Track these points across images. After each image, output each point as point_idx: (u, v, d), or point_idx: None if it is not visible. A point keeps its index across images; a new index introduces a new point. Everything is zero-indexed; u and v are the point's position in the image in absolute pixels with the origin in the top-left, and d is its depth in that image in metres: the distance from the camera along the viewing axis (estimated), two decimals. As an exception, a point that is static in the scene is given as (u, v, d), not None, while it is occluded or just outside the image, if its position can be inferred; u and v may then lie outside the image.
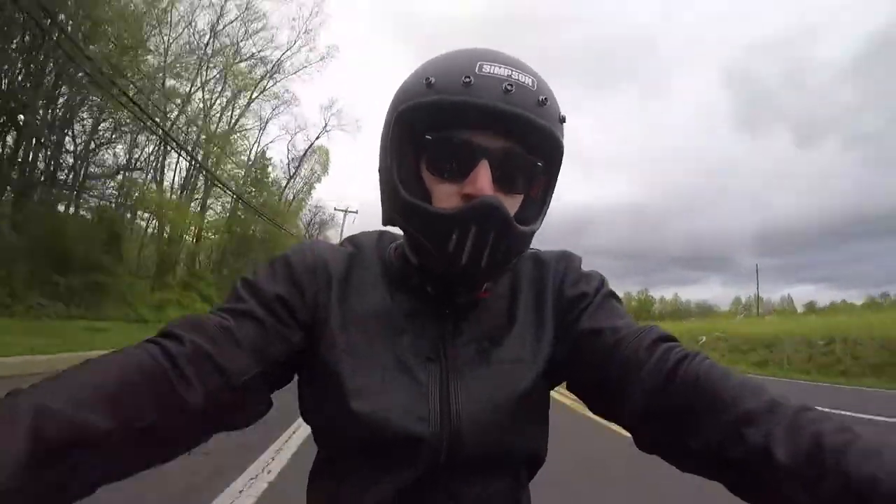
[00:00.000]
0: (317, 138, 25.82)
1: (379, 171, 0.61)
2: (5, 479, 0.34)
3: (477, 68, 0.53)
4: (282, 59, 20.42)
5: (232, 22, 19.36)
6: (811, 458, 0.39)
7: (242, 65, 19.91)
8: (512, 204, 0.57)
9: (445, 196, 0.55)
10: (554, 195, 0.61)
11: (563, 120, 0.57)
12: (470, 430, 0.56)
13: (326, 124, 25.52)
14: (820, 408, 0.44)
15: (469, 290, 0.61)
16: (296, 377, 0.62)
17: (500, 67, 0.53)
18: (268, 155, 23.41)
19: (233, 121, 20.43)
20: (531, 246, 0.65)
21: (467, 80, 0.52)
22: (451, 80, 0.53)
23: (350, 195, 68.35)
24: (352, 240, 0.68)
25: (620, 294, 0.68)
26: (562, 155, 0.59)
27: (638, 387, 0.53)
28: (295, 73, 21.20)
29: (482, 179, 0.53)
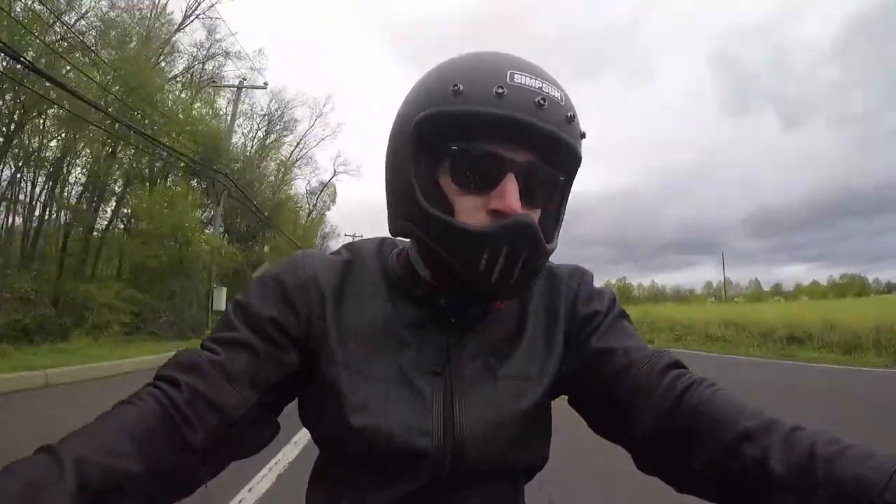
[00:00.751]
0: (329, 181, 32.80)
1: (386, 179, 0.59)
2: None
3: (508, 78, 0.51)
4: (305, 135, 28.18)
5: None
6: (804, 469, 0.41)
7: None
8: (535, 219, 0.55)
9: (471, 210, 0.53)
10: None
11: (583, 136, 0.56)
12: (473, 446, 0.55)
13: (336, 172, 32.46)
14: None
15: (490, 302, 0.59)
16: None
17: (531, 79, 0.51)
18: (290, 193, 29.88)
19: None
20: None
21: (500, 90, 0.50)
22: (481, 88, 0.51)
23: (353, 220, 74.62)
24: (349, 247, 0.66)
25: (603, 280, 0.74)
26: (577, 171, 0.58)
27: (647, 411, 0.53)
28: (315, 145, 29.16)
29: (511, 195, 0.51)
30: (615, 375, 0.57)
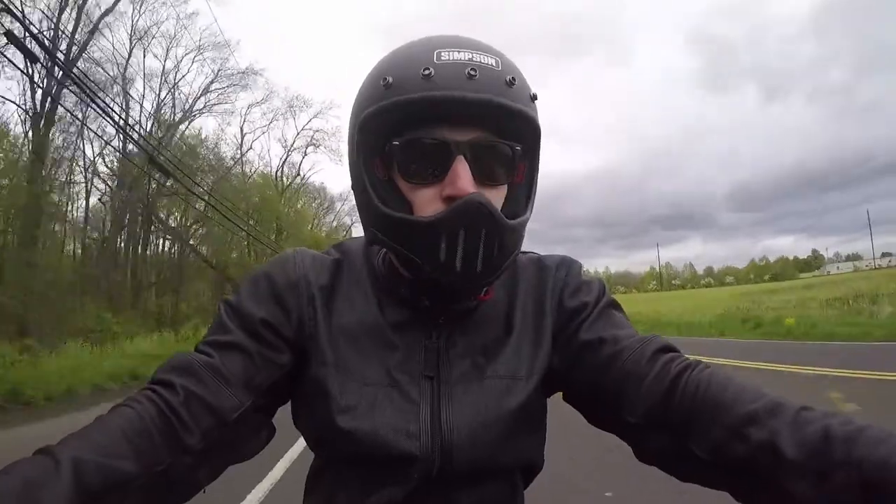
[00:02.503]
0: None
1: (352, 188, 0.57)
2: None
3: (435, 57, 0.50)
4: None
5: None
6: (820, 451, 0.39)
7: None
8: (497, 197, 0.54)
9: (426, 202, 0.52)
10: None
11: (534, 97, 0.55)
12: (461, 447, 0.55)
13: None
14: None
15: (469, 296, 0.58)
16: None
17: (459, 52, 0.50)
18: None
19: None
20: (532, 250, 0.65)
21: (427, 72, 0.49)
22: (409, 75, 0.50)
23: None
24: (339, 246, 0.65)
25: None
26: (539, 135, 0.55)
27: (640, 399, 0.51)
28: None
29: (462, 178, 0.50)
30: (605, 365, 0.55)
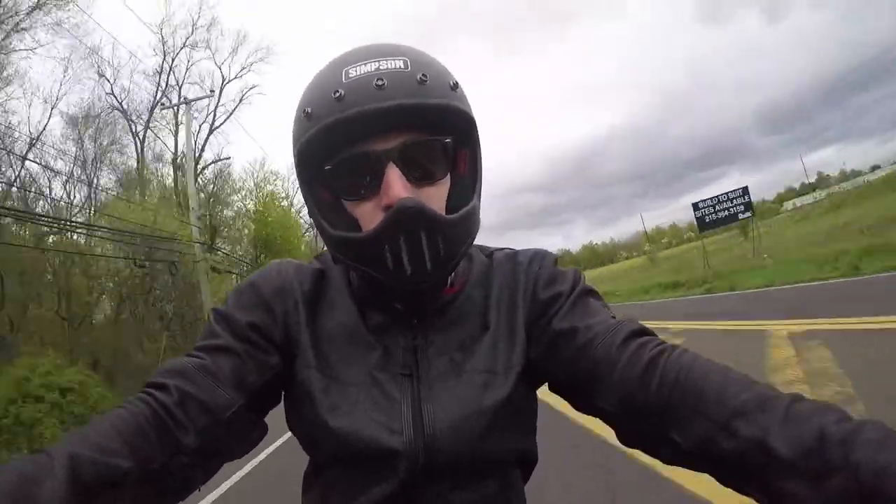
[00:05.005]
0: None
1: (310, 216, 0.59)
2: None
3: (343, 76, 0.51)
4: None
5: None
6: (815, 451, 0.38)
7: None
8: (438, 192, 0.56)
9: (369, 216, 0.54)
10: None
11: (455, 86, 0.55)
12: (444, 441, 0.56)
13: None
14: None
15: (433, 293, 0.60)
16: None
17: (364, 64, 0.51)
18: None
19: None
20: (508, 246, 0.67)
21: (337, 94, 0.50)
22: (323, 101, 0.51)
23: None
24: (321, 257, 0.67)
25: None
26: (471, 122, 0.56)
27: (613, 386, 0.52)
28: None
29: (393, 185, 0.51)
30: (578, 353, 0.56)
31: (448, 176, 0.57)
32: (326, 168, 0.54)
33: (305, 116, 0.53)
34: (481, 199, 0.59)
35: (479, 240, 0.63)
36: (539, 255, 0.67)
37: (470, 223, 0.57)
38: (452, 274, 0.62)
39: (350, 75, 0.51)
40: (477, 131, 0.58)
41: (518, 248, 0.70)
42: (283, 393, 0.62)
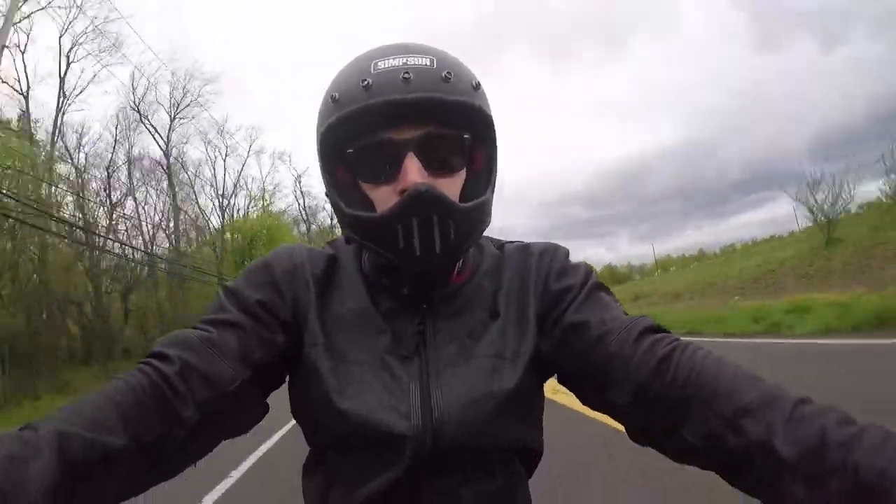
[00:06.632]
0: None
1: (326, 195, 0.61)
2: (40, 501, 0.37)
3: (372, 68, 0.54)
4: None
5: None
6: (816, 454, 0.38)
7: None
8: (453, 184, 0.57)
9: (385, 199, 0.56)
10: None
11: (477, 86, 0.57)
12: (451, 425, 0.56)
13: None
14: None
15: (441, 278, 0.61)
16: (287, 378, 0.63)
17: (394, 59, 0.54)
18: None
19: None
20: (521, 239, 0.68)
21: (365, 82, 0.53)
22: (351, 89, 0.54)
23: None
24: (333, 243, 0.68)
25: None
26: (489, 121, 0.58)
27: (626, 381, 0.52)
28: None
29: (410, 171, 0.53)
30: (591, 347, 0.56)
31: (464, 170, 0.59)
32: (349, 151, 0.56)
33: (333, 101, 0.55)
34: (494, 194, 0.61)
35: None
36: (551, 248, 0.67)
37: (481, 214, 0.58)
38: (461, 262, 0.63)
39: (379, 67, 0.54)
40: (494, 131, 0.60)
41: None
42: (287, 377, 0.62)
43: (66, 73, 19.56)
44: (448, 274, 0.62)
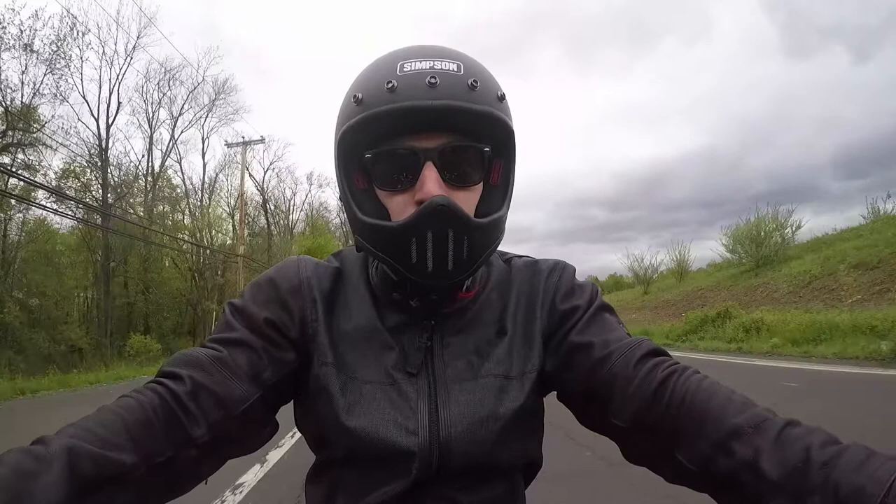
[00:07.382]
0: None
1: (339, 199, 0.60)
2: None
3: (398, 69, 0.52)
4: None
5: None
6: (798, 473, 0.39)
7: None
8: (470, 197, 0.56)
9: (401, 208, 0.54)
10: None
11: (502, 97, 0.56)
12: (458, 443, 0.56)
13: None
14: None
15: (450, 294, 0.60)
16: None
17: (420, 62, 0.52)
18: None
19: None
20: (528, 254, 0.67)
21: (390, 84, 0.51)
22: (375, 90, 0.52)
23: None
24: (338, 255, 0.67)
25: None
26: (510, 134, 0.57)
27: (627, 403, 0.52)
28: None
29: (428, 182, 0.52)
30: (594, 368, 0.56)
31: (481, 184, 0.58)
32: (367, 156, 0.55)
33: (355, 101, 0.53)
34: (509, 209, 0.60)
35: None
36: (559, 267, 0.67)
37: (496, 230, 0.57)
38: (469, 280, 0.61)
39: (405, 69, 0.52)
40: (515, 144, 0.58)
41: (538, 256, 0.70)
42: (295, 391, 0.62)
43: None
44: (457, 289, 0.60)
